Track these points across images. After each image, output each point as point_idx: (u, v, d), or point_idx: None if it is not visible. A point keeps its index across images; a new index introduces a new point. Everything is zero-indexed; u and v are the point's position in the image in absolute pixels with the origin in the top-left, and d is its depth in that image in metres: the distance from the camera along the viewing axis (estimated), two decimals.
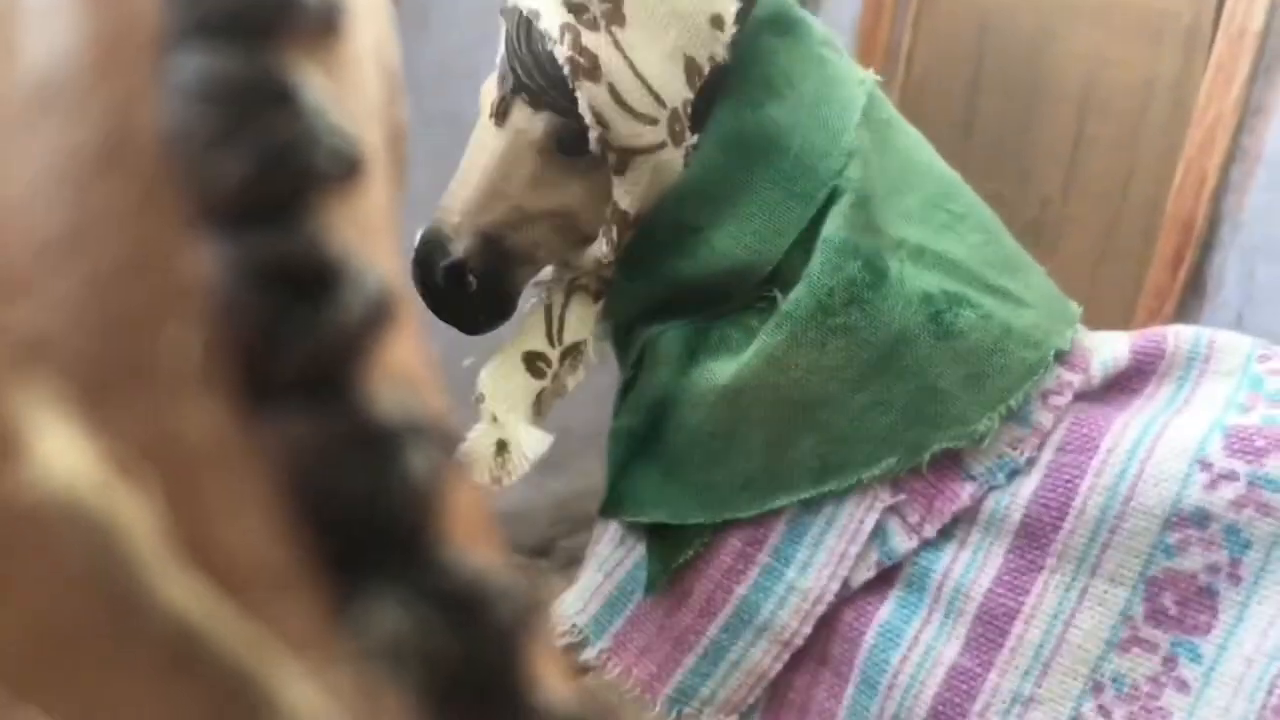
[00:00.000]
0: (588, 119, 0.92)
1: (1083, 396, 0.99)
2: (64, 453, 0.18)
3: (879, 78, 1.07)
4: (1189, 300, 1.72)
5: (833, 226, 0.95)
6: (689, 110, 0.96)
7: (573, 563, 2.32)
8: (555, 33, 0.91)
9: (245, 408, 0.20)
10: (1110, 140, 1.94)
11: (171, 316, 0.20)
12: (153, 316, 0.20)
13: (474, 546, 0.21)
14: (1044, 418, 0.96)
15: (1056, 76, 2.03)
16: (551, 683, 0.20)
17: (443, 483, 0.21)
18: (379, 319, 0.22)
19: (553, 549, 2.40)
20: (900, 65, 2.13)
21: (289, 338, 0.20)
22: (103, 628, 0.18)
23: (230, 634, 0.18)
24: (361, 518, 0.19)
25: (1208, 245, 1.70)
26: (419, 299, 1.01)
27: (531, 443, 0.99)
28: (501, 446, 0.99)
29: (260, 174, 0.21)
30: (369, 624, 0.18)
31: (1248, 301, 1.65)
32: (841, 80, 1.02)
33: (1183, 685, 0.89)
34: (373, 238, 0.24)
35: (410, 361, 0.23)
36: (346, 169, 0.23)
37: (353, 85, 0.26)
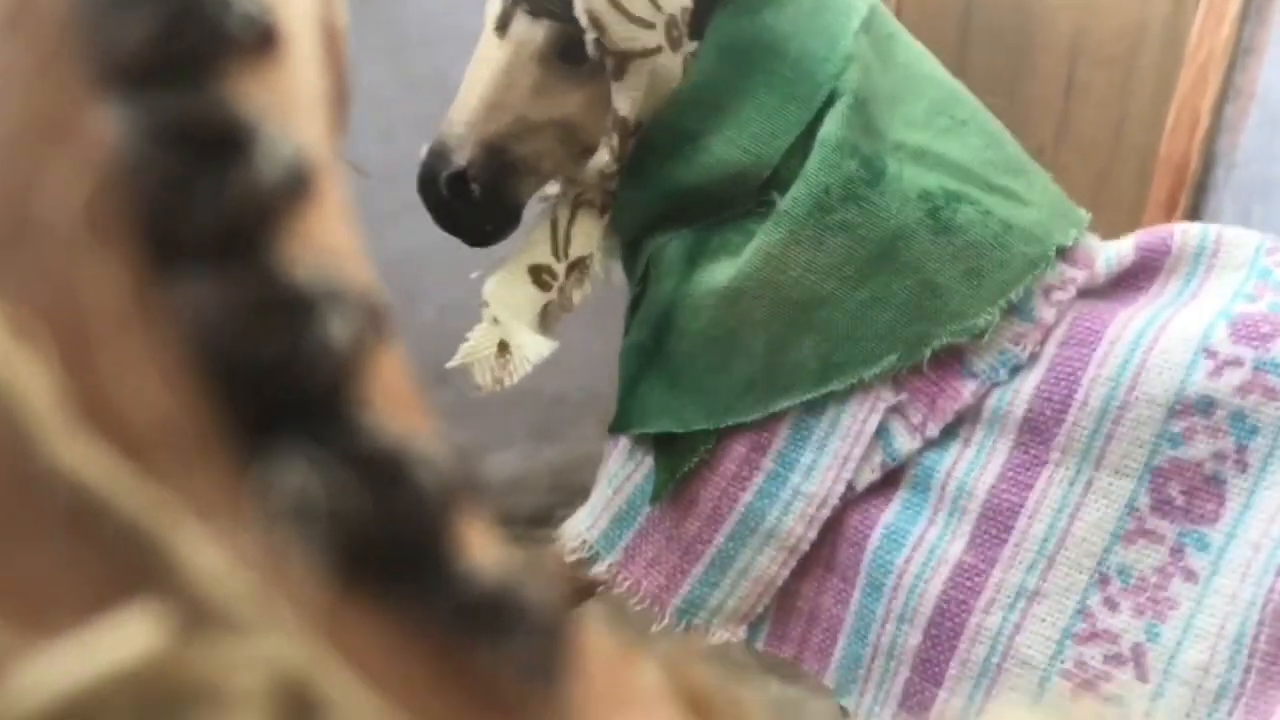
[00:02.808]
0: (583, 22, 0.92)
1: (1087, 293, 0.98)
2: None
3: None
4: None
5: (830, 126, 0.95)
6: (686, 18, 0.96)
7: None
8: None
9: (151, 271, 0.19)
10: (1101, 87, 1.92)
11: (69, 178, 0.19)
12: (50, 179, 0.19)
13: (398, 415, 0.20)
14: (1046, 313, 0.96)
15: (1045, 25, 2.00)
16: (476, 551, 0.19)
17: (363, 350, 0.20)
18: (295, 186, 0.21)
19: (550, 518, 2.39)
20: None
21: (195, 200, 0.19)
22: (0, 495, 0.17)
23: (131, 498, 0.17)
24: (272, 380, 0.18)
25: (1202, 187, 1.68)
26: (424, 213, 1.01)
27: (534, 345, 1.00)
28: (503, 348, 1.00)
29: (166, 34, 0.20)
30: (277, 485, 0.17)
31: None
32: None
33: (1190, 575, 0.88)
34: (295, 112, 0.23)
35: (334, 233, 0.22)
36: (260, 36, 0.22)
37: None
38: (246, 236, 0.19)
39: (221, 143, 0.20)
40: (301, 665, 0.16)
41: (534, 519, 2.31)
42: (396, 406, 0.20)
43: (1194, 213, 1.69)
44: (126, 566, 0.17)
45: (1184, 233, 0.99)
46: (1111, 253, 1.00)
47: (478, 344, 1.00)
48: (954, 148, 0.99)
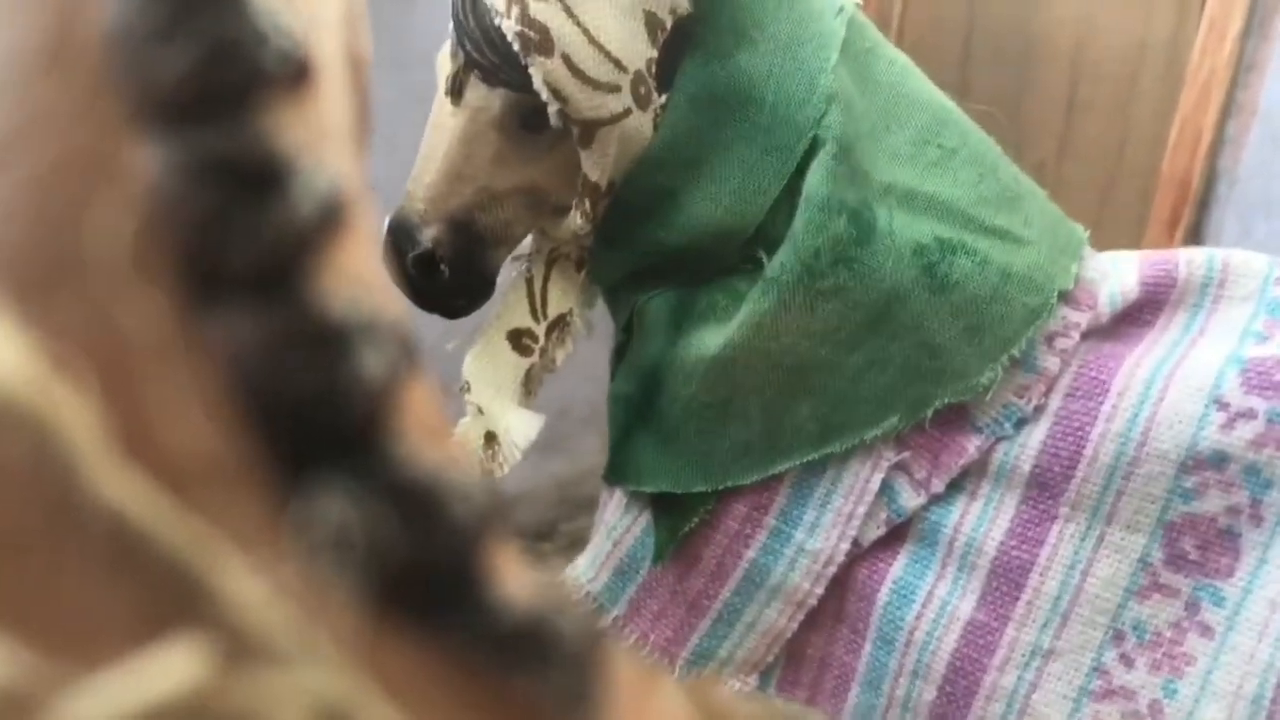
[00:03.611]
0: (544, 95, 0.87)
1: (1091, 334, 0.95)
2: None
3: (859, 1, 1.01)
4: None
5: (815, 181, 0.90)
6: (653, 69, 0.91)
7: (575, 545, 2.32)
8: (501, 5, 0.85)
9: (190, 304, 0.19)
10: (1104, 103, 1.93)
11: (110, 213, 0.19)
12: (90, 213, 0.19)
13: (431, 445, 0.20)
14: (1050, 363, 0.93)
15: (1047, 42, 2.01)
16: (510, 580, 0.20)
17: (397, 381, 0.20)
18: (331, 219, 0.21)
19: (554, 532, 2.39)
20: (891, 34, 2.12)
21: (234, 233, 0.19)
22: (41, 528, 0.17)
23: (171, 531, 0.17)
24: (310, 414, 0.19)
25: (1204, 203, 1.69)
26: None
27: (521, 429, 0.96)
28: (490, 438, 0.96)
29: (204, 70, 0.20)
30: (316, 517, 0.18)
31: None
32: (816, 14, 0.96)
33: (1206, 630, 0.87)
34: (327, 144, 0.23)
35: (365, 265, 0.22)
36: (295, 70, 0.22)
37: None
38: (284, 270, 0.20)
39: (259, 178, 0.20)
40: (342, 697, 0.17)
41: (538, 533, 2.32)
42: (428, 437, 0.21)
43: (1196, 229, 1.69)
44: (168, 599, 0.17)
45: (1189, 262, 0.96)
46: (1115, 289, 0.96)
47: (463, 439, 0.96)
48: (945, 185, 0.94)
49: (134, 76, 0.20)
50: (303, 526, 0.18)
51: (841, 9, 0.97)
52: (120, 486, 0.17)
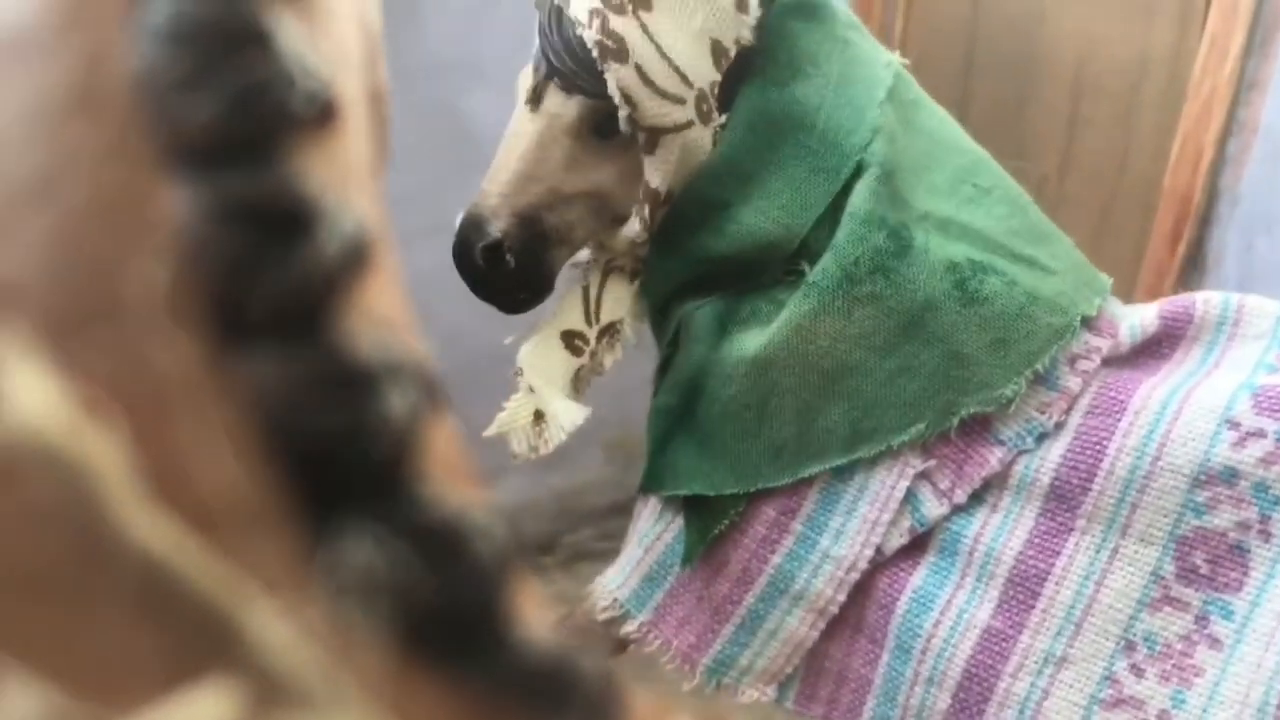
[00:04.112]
0: (616, 99, 0.94)
1: (1111, 361, 1.00)
2: (31, 394, 0.18)
3: (905, 60, 1.09)
4: (1188, 276, 1.71)
5: (858, 199, 0.97)
6: (716, 91, 0.98)
7: (576, 558, 2.32)
8: (584, 18, 0.94)
9: (218, 347, 0.19)
10: (1105, 118, 1.93)
11: (139, 256, 0.19)
12: (120, 257, 0.19)
13: (453, 486, 0.20)
14: (1071, 382, 0.97)
15: (1049, 58, 2.02)
16: (531, 620, 0.20)
17: (421, 422, 0.20)
18: (356, 260, 0.21)
19: (555, 545, 2.39)
20: (894, 49, 2.12)
21: (262, 276, 0.20)
22: (72, 570, 0.18)
23: (200, 572, 0.17)
24: (336, 456, 0.19)
25: (1206, 220, 1.69)
26: (458, 280, 1.03)
27: (568, 413, 1.01)
28: (538, 416, 1.02)
29: (232, 114, 0.21)
30: (343, 560, 0.18)
31: (1247, 275, 1.64)
32: (866, 61, 1.04)
33: (1215, 642, 0.89)
34: (351, 183, 0.24)
35: (389, 304, 0.22)
36: (321, 112, 0.22)
37: (329, 34, 0.26)
38: (311, 312, 0.20)
39: (287, 220, 0.20)
40: None
41: (540, 545, 2.31)
42: (451, 477, 0.21)
43: (1198, 245, 1.70)
44: (198, 641, 0.17)
45: (1206, 302, 1.01)
46: (1135, 321, 1.01)
47: (514, 413, 1.02)
48: (978, 217, 1.00)
49: (163, 120, 0.21)
50: (330, 569, 0.18)
51: (890, 63, 1.06)
52: (150, 528, 0.18)
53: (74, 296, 0.19)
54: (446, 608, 0.18)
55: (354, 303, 0.21)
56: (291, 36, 0.22)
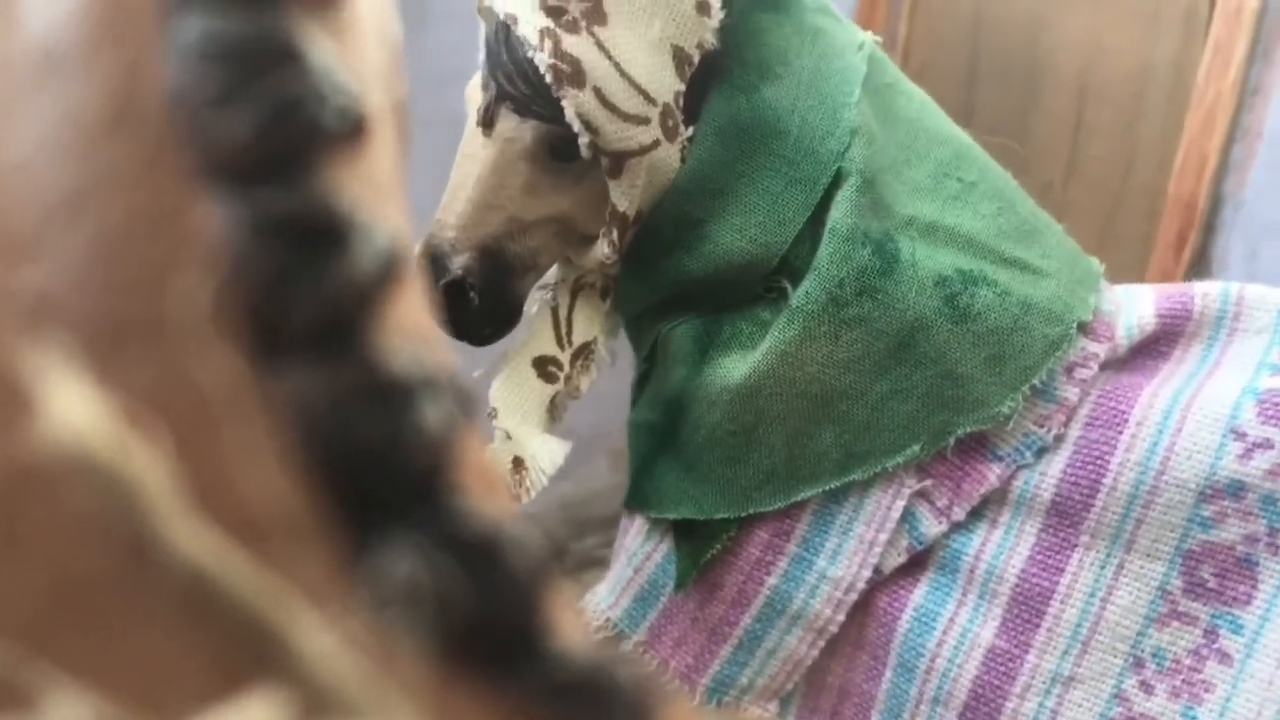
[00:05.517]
0: (575, 127, 0.88)
1: (1109, 364, 0.96)
2: (75, 408, 0.18)
3: (878, 38, 1.03)
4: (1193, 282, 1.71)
5: (839, 213, 0.92)
6: (681, 102, 0.93)
7: (583, 566, 2.32)
8: (534, 39, 0.87)
9: (258, 361, 0.20)
10: (1110, 125, 1.94)
11: (178, 271, 0.20)
12: (160, 272, 0.20)
13: (487, 498, 0.21)
14: (1070, 392, 0.94)
15: (1053, 64, 2.02)
16: (568, 630, 0.20)
17: (456, 434, 0.21)
18: (389, 274, 0.21)
19: (563, 552, 2.39)
20: (897, 56, 2.13)
21: (299, 291, 0.20)
22: (117, 581, 0.18)
23: (245, 584, 0.18)
24: (376, 468, 0.19)
25: (1210, 227, 1.70)
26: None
27: (547, 455, 0.97)
28: (517, 463, 0.97)
29: (267, 131, 0.21)
30: (385, 572, 0.18)
31: (1252, 281, 1.64)
32: (839, 51, 0.98)
33: (1224, 657, 0.88)
34: (381, 197, 0.24)
35: (419, 318, 0.23)
36: (353, 127, 0.23)
37: (356, 49, 0.26)
38: (348, 326, 0.20)
39: (322, 235, 0.21)
40: None
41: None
42: (485, 488, 0.21)
43: (1202, 252, 1.70)
44: (244, 652, 0.17)
45: (1204, 295, 0.98)
46: (1132, 321, 0.97)
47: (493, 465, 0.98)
48: (965, 218, 0.96)
49: (198, 137, 0.21)
50: (372, 580, 0.18)
51: (862, 45, 1.00)
52: (195, 540, 0.18)
53: (114, 311, 0.20)
54: (487, 618, 0.19)
55: (388, 316, 0.21)
56: (322, 53, 0.23)
